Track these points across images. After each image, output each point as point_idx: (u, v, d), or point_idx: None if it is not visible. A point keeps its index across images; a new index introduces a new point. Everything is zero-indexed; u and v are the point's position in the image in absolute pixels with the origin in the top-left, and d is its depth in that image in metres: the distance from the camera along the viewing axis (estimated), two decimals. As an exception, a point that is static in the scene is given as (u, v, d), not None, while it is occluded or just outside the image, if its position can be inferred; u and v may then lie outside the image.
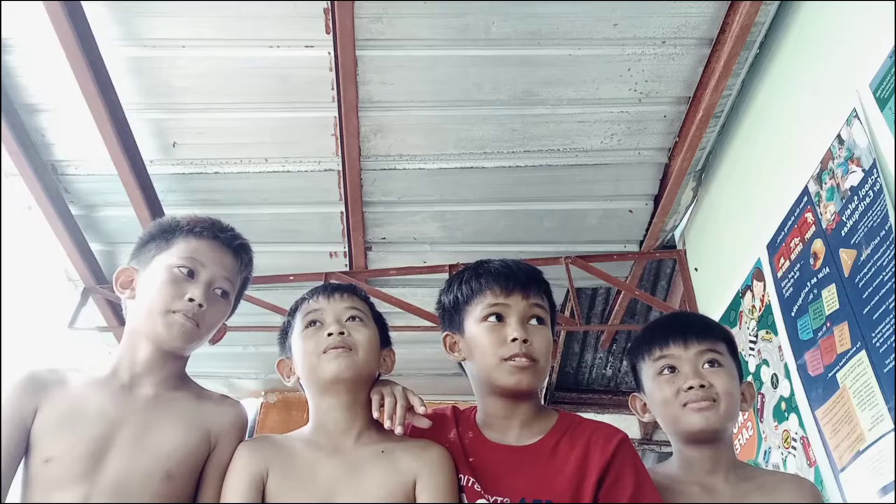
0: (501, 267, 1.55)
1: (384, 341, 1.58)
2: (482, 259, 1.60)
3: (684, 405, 1.56)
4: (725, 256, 3.14)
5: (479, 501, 1.39)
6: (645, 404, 1.67)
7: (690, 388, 1.55)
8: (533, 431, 1.48)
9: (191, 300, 1.44)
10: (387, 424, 1.43)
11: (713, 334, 1.65)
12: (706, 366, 1.59)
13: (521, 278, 1.51)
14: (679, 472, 1.59)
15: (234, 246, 1.56)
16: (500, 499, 1.39)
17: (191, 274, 1.47)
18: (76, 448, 1.34)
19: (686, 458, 1.60)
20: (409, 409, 1.47)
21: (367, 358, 1.49)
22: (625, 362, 4.77)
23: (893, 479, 1.92)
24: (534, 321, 1.49)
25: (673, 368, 1.60)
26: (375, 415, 1.46)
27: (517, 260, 1.59)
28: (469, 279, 1.56)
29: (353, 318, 1.52)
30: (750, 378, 2.75)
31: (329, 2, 2.55)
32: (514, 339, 1.45)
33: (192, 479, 1.41)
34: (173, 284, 1.46)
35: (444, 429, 1.51)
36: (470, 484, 1.41)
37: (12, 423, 1.35)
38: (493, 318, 1.49)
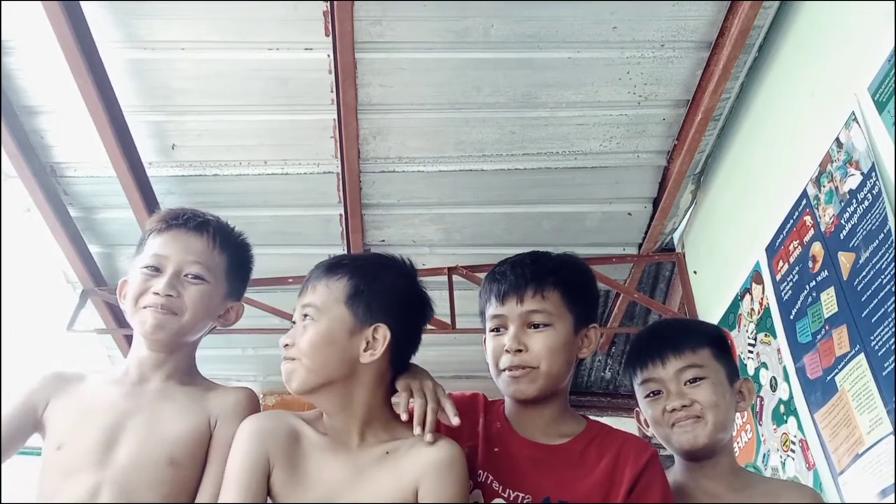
0: (498, 273, 1.51)
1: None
2: (505, 259, 1.55)
3: (672, 425, 1.56)
4: (724, 259, 3.14)
5: (496, 501, 1.37)
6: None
7: (674, 409, 1.55)
8: (560, 433, 1.46)
9: (155, 293, 1.49)
10: (416, 431, 1.33)
11: (692, 344, 1.61)
12: (688, 383, 1.57)
13: (513, 283, 1.47)
14: (683, 479, 1.59)
15: (193, 227, 1.56)
16: (521, 495, 1.37)
17: (156, 270, 1.52)
18: (88, 437, 1.41)
19: (688, 467, 1.60)
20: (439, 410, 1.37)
21: (311, 363, 1.36)
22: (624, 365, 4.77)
23: (893, 481, 1.92)
24: (531, 327, 1.44)
25: (657, 392, 1.59)
26: (404, 417, 1.35)
27: (524, 258, 1.53)
28: (483, 285, 1.54)
29: (305, 315, 1.41)
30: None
31: (329, 2, 2.55)
32: (506, 351, 1.43)
33: (196, 466, 1.43)
34: (141, 284, 1.51)
35: (473, 414, 1.47)
36: (489, 482, 1.39)
37: (21, 404, 1.45)
38: (493, 331, 1.48)
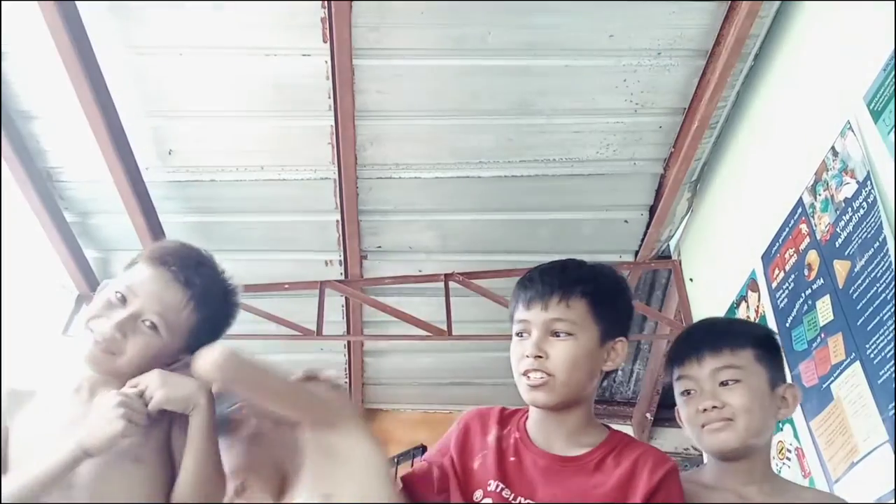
0: (527, 279, 1.51)
1: None
2: (538, 265, 1.54)
3: (702, 426, 1.52)
4: (720, 267, 3.15)
5: (484, 501, 1.37)
6: None
7: (706, 409, 1.51)
8: (580, 443, 1.44)
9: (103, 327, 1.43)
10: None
11: (731, 344, 1.55)
12: (722, 384, 1.52)
13: (539, 290, 1.46)
14: (713, 481, 1.56)
15: (180, 280, 1.48)
16: (529, 502, 1.37)
17: (122, 300, 1.45)
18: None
19: (720, 468, 1.57)
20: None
21: None
22: (620, 372, 4.78)
23: (893, 488, 1.92)
24: (553, 335, 1.43)
25: (691, 390, 1.55)
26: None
27: (555, 265, 1.52)
28: (514, 290, 1.53)
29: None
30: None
31: (327, 6, 2.55)
32: (527, 356, 1.43)
33: (163, 462, 1.42)
34: (101, 308, 1.45)
35: (484, 427, 1.49)
36: (499, 490, 1.39)
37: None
38: (517, 335, 1.48)
